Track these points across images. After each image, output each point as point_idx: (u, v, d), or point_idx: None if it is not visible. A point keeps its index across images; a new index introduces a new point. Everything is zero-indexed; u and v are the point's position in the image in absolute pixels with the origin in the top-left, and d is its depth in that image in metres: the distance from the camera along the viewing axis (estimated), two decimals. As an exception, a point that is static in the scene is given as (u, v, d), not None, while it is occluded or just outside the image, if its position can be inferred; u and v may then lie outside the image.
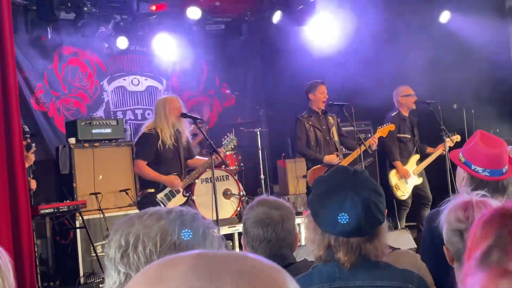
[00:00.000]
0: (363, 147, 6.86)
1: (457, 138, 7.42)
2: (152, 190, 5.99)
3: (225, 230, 7.02)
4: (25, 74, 8.39)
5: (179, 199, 6.13)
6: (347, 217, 1.96)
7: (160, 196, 6.03)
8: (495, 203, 2.11)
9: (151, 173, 5.93)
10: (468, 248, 1.18)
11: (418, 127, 7.75)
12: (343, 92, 7.90)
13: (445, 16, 8.69)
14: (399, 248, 2.51)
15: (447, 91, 7.80)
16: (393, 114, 7.52)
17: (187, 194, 6.24)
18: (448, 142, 7.30)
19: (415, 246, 5.85)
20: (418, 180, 7.58)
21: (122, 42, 8.91)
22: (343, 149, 7.34)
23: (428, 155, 7.60)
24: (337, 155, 7.00)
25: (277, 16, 9.07)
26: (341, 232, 1.98)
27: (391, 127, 7.21)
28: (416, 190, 7.58)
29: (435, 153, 7.49)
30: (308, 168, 7.09)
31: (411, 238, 6.19)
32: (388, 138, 7.36)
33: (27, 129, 5.98)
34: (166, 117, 5.93)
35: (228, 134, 6.72)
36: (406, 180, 7.50)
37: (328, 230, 2.01)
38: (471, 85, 7.69)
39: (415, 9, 8.51)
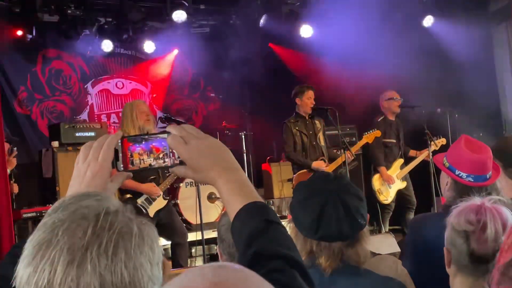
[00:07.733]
0: (348, 153, 6.80)
1: (442, 141, 7.40)
2: (130, 196, 5.93)
3: (209, 234, 6.98)
4: (8, 76, 8.31)
5: (160, 202, 6.09)
6: (329, 221, 1.95)
7: (140, 200, 5.98)
8: (506, 210, 2.03)
9: (127, 183, 5.83)
10: (500, 249, 1.19)
11: (404, 131, 7.74)
12: (329, 96, 7.89)
13: (428, 20, 8.73)
14: (380, 254, 2.50)
15: (431, 95, 7.82)
16: (379, 120, 7.49)
17: (167, 197, 6.19)
18: (433, 146, 7.25)
19: (399, 250, 5.85)
20: (401, 184, 7.56)
21: (106, 45, 8.84)
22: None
23: (412, 158, 7.57)
24: (324, 161, 6.97)
25: (263, 19, 9.05)
26: (323, 237, 1.97)
27: (377, 133, 7.18)
28: (401, 194, 7.56)
29: (419, 157, 7.46)
30: (294, 173, 7.06)
31: (394, 242, 6.19)
32: (373, 142, 7.34)
33: (9, 133, 5.92)
34: (133, 122, 5.90)
35: None
36: (389, 185, 7.50)
37: (310, 235, 1.99)
38: (454, 89, 7.72)
39: (399, 13, 8.53)
